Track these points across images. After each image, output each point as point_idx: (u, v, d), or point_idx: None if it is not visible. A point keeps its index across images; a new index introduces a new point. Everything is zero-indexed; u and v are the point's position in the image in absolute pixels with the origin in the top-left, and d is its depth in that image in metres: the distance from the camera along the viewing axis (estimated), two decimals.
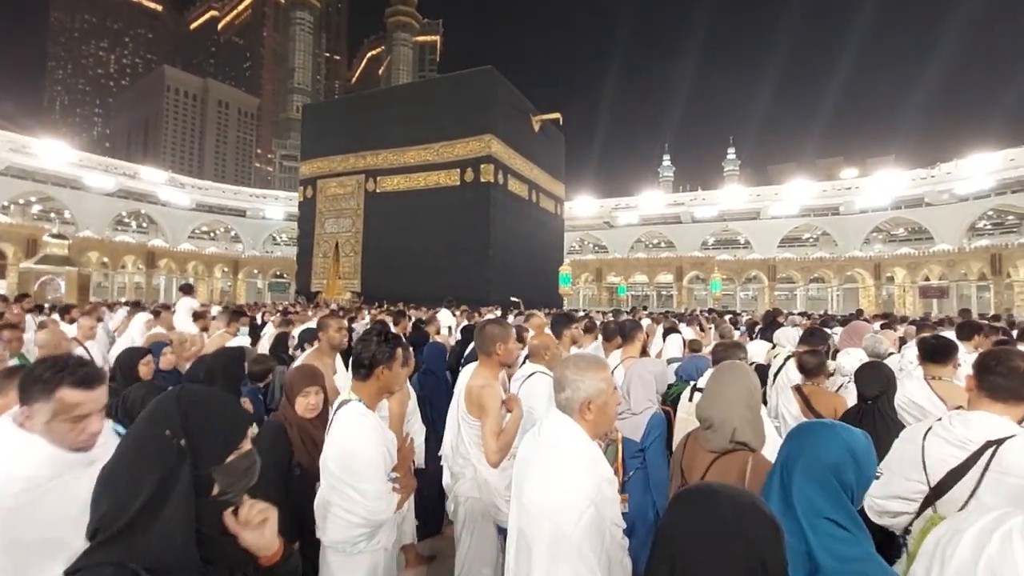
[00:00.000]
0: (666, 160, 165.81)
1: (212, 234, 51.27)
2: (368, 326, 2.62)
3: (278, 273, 46.89)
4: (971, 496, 1.74)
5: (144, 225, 46.55)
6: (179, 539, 0.97)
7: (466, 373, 2.85)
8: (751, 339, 6.99)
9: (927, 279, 36.67)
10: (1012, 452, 1.67)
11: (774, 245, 45.04)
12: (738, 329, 9.15)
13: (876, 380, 2.69)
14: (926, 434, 1.88)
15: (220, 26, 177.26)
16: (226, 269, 45.81)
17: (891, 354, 4.53)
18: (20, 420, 1.43)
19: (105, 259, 37.78)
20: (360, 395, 2.10)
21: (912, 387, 2.85)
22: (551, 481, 1.54)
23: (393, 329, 2.49)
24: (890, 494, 1.92)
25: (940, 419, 2.03)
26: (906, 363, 4.15)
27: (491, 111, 18.53)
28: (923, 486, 1.83)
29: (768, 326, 7.51)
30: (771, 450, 1.76)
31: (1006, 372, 1.80)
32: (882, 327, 6.60)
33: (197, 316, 6.56)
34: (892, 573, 1.27)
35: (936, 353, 2.86)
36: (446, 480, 2.84)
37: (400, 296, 12.56)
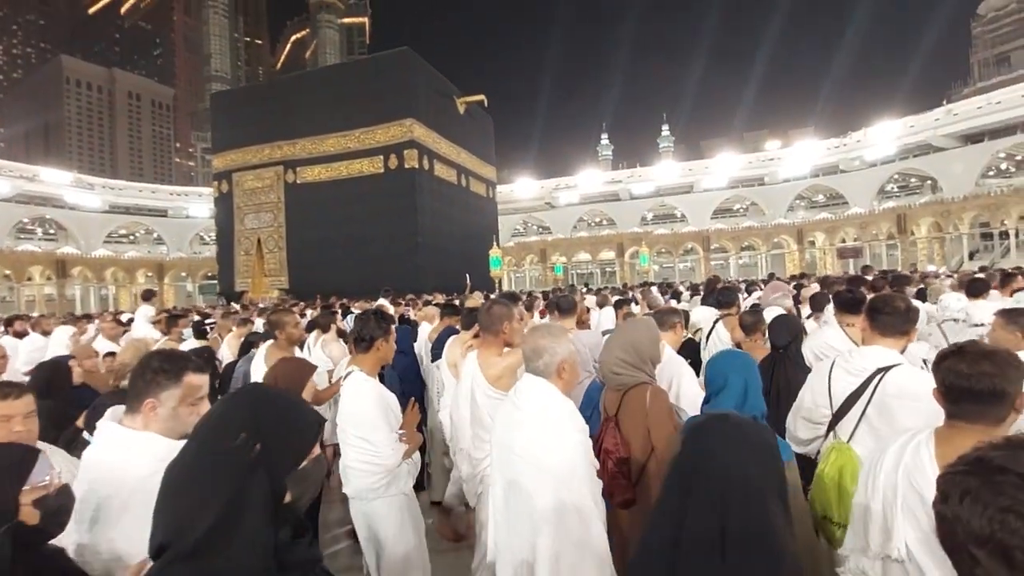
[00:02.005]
0: (604, 139, 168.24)
1: (132, 237, 47.81)
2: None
3: (209, 275, 44.33)
4: (861, 416, 2.03)
5: (52, 231, 42.74)
6: (259, 553, 0.89)
7: (454, 350, 3.33)
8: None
9: (844, 241, 39.38)
10: (894, 376, 1.98)
11: (708, 217, 46.95)
12: (675, 299, 9.49)
13: (786, 330, 3.13)
14: (832, 367, 2.20)
15: (123, 9, 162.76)
16: (150, 274, 42.90)
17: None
18: (129, 420, 1.53)
19: (7, 271, 34.48)
20: (361, 366, 2.55)
21: (830, 333, 3.23)
22: (547, 438, 1.76)
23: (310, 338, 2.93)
24: (801, 418, 2.28)
25: (840, 354, 2.44)
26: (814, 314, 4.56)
27: (411, 94, 18.10)
28: (827, 411, 2.13)
29: (710, 293, 7.85)
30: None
31: (890, 311, 2.13)
32: (794, 286, 7.15)
33: (172, 323, 6.17)
34: (789, 449, 1.77)
35: (849, 305, 3.23)
36: (459, 463, 2.96)
37: (331, 290, 12.17)
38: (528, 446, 1.78)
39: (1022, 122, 33.72)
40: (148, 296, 8.13)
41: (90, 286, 39.10)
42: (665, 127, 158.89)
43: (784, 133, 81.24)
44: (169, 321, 5.81)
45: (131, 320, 8.09)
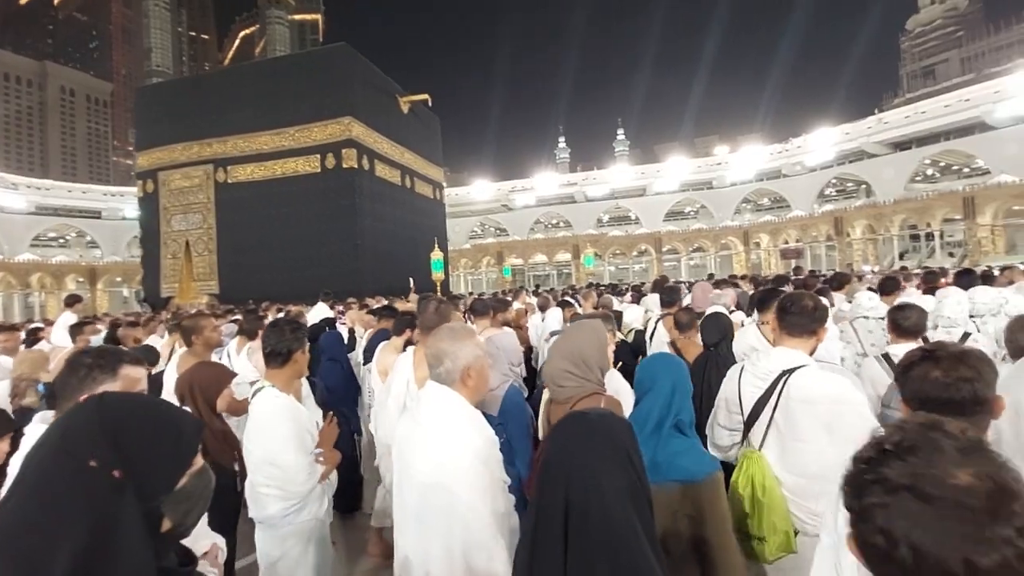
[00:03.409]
0: (561, 142, 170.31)
1: (62, 240, 44.81)
2: None
3: None
4: (770, 421, 1.95)
5: None
6: None
7: (385, 355, 3.16)
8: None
9: (787, 243, 41.09)
10: (798, 378, 1.91)
11: (660, 219, 48.07)
12: (619, 298, 9.55)
13: (716, 329, 3.18)
14: (741, 371, 2.13)
15: (57, 0, 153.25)
16: (81, 279, 40.31)
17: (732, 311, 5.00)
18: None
19: None
20: (274, 381, 2.29)
21: (750, 332, 3.25)
22: (439, 449, 1.61)
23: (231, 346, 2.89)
24: (718, 425, 2.21)
25: (748, 356, 2.42)
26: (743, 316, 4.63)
27: (350, 92, 17.51)
28: (740, 417, 2.06)
29: (664, 293, 7.87)
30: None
31: (798, 311, 2.03)
32: (715, 285, 7.31)
33: (77, 330, 5.62)
34: (714, 460, 1.64)
35: (762, 302, 3.21)
36: (383, 473, 2.86)
37: (265, 295, 11.60)
38: (421, 455, 1.67)
39: (946, 131, 36.07)
40: (72, 302, 7.46)
41: (14, 293, 36.36)
42: (620, 131, 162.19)
43: (732, 138, 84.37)
44: (72, 329, 5.31)
45: (35, 330, 7.51)
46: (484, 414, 2.73)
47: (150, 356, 4.23)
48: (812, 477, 1.80)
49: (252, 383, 4.02)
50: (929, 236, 35.41)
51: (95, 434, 0.78)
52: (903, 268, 13.96)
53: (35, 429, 1.43)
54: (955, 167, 38.18)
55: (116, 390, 1.41)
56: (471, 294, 10.88)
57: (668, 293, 4.82)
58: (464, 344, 1.79)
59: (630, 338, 4.74)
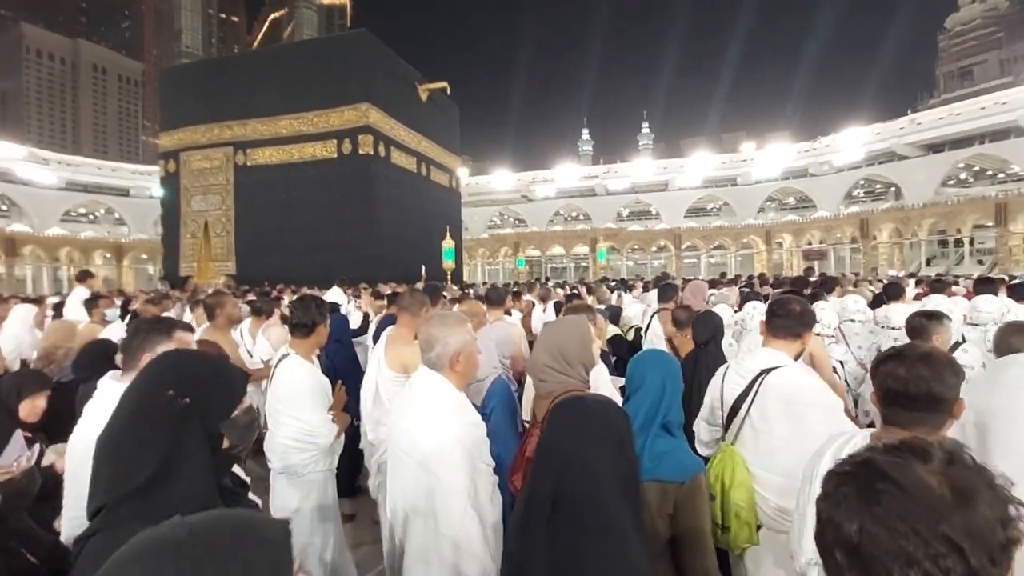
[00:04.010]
0: (585, 134, 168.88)
1: (92, 216, 45.94)
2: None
3: None
4: (745, 417, 2.04)
5: (4, 208, 40.74)
6: (203, 492, 0.96)
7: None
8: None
9: (810, 243, 40.30)
10: (774, 377, 2.00)
11: (681, 215, 47.46)
12: (628, 293, 9.56)
13: (706, 327, 3.25)
14: (726, 370, 2.23)
15: None
16: (108, 255, 41.33)
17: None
18: (126, 378, 1.69)
19: None
20: (297, 350, 2.65)
21: (755, 333, 3.22)
22: (422, 429, 1.70)
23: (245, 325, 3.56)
24: (702, 420, 2.31)
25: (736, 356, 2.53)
26: (745, 316, 4.65)
27: (368, 78, 17.53)
28: (722, 412, 2.16)
29: (661, 289, 7.90)
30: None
31: (783, 314, 2.13)
32: (711, 284, 7.35)
33: (91, 304, 5.84)
34: (700, 461, 1.64)
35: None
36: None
37: (280, 277, 11.80)
38: (406, 434, 1.76)
39: (980, 134, 34.89)
40: (83, 277, 7.70)
41: (43, 266, 37.47)
42: (645, 125, 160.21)
43: (760, 135, 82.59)
44: (87, 303, 5.54)
45: (59, 304, 7.74)
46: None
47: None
48: (780, 474, 1.86)
49: (265, 361, 4.27)
50: (958, 242, 34.44)
51: (171, 374, 1.04)
52: (937, 276, 13.60)
53: (106, 383, 1.71)
54: (989, 172, 36.98)
55: (170, 349, 1.71)
56: (485, 284, 11.00)
57: (664, 290, 4.90)
58: (454, 331, 1.87)
59: (630, 335, 4.74)
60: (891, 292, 5.05)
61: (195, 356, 1.17)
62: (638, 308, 5.90)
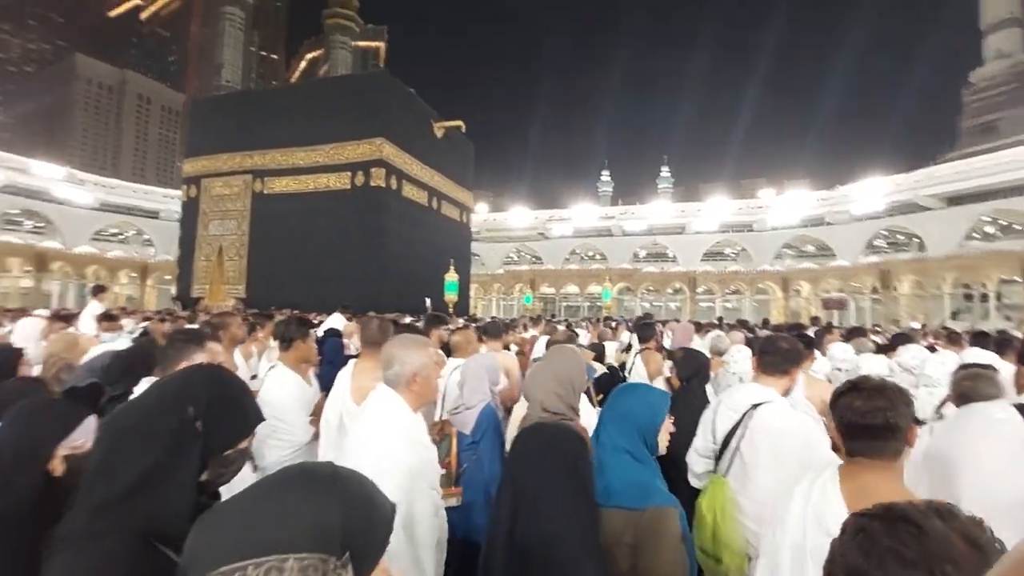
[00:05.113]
0: (605, 175, 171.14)
1: (122, 237, 47.54)
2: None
3: None
4: (736, 449, 2.14)
5: (40, 225, 42.40)
6: (180, 510, 0.98)
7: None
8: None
9: (828, 292, 39.63)
10: (761, 412, 2.10)
11: (697, 259, 47.25)
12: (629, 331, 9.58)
13: (689, 365, 3.37)
14: (719, 403, 2.34)
15: (144, 15, 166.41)
16: (133, 275, 42.51)
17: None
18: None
19: None
20: (283, 361, 3.03)
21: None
22: (366, 450, 1.71)
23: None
24: (695, 451, 2.38)
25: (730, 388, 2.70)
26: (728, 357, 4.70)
27: (385, 114, 18.20)
28: (714, 445, 2.25)
29: (639, 329, 7.92)
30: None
31: (772, 351, 2.26)
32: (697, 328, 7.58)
33: (104, 320, 6.02)
34: (666, 494, 1.63)
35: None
36: None
37: (286, 303, 12.01)
38: (353, 453, 1.76)
39: (1002, 188, 34.45)
40: (97, 292, 7.94)
41: (70, 282, 38.61)
42: (665, 168, 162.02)
43: (779, 182, 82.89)
44: (100, 318, 5.73)
45: (67, 317, 7.94)
46: (459, 433, 2.84)
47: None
48: (767, 504, 1.89)
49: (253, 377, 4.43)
50: (984, 297, 33.54)
51: (200, 393, 1.08)
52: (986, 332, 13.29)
53: (142, 386, 1.91)
54: (1017, 227, 36.29)
55: (203, 359, 1.99)
56: (493, 318, 11.09)
57: (643, 329, 5.04)
58: (413, 351, 1.91)
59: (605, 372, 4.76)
60: (895, 343, 5.01)
61: (227, 383, 1.17)
62: (612, 346, 5.97)
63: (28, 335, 5.55)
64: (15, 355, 2.90)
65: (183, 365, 1.88)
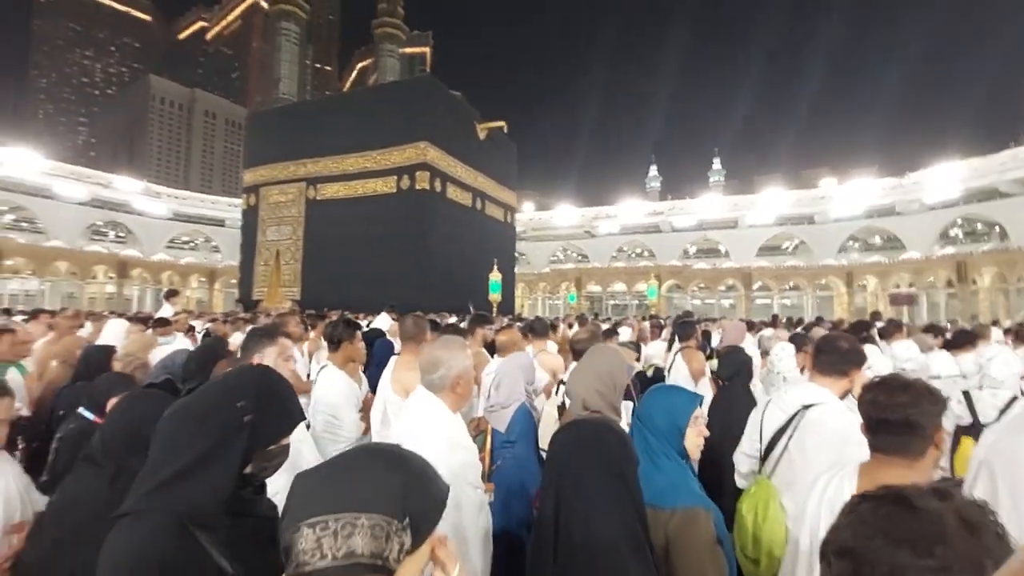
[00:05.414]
0: (653, 170, 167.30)
1: (192, 244, 50.87)
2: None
3: None
4: (784, 450, 2.08)
5: (122, 235, 46.10)
6: (219, 497, 1.07)
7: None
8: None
9: (898, 287, 37.08)
10: (812, 413, 2.03)
11: (752, 254, 45.34)
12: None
13: (730, 364, 3.28)
14: (768, 403, 2.27)
15: (209, 36, 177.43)
16: (203, 279, 45.41)
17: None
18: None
19: (75, 269, 37.34)
20: (333, 361, 3.18)
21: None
22: (412, 444, 1.81)
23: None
24: (741, 452, 2.34)
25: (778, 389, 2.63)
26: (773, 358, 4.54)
27: (429, 118, 18.56)
28: (759, 445, 2.20)
29: (679, 327, 7.70)
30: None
31: (829, 351, 2.16)
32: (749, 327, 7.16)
33: (157, 325, 6.52)
34: (696, 494, 1.61)
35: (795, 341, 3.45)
36: None
37: (338, 304, 12.50)
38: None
39: None
40: (169, 295, 8.45)
41: (147, 287, 41.69)
42: (716, 160, 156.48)
43: (843, 171, 78.08)
44: (156, 324, 6.15)
45: (146, 319, 8.58)
46: (494, 431, 2.93)
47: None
48: None
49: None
50: None
51: (251, 388, 1.16)
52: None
53: None
54: None
55: (275, 352, 2.23)
56: (537, 317, 11.12)
57: (683, 328, 4.85)
58: (457, 355, 1.93)
59: (649, 372, 4.63)
60: (958, 341, 4.67)
61: (275, 381, 1.25)
62: (660, 346, 5.78)
63: (115, 335, 6.11)
64: (109, 353, 3.31)
65: (256, 359, 2.14)
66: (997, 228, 36.08)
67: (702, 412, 1.79)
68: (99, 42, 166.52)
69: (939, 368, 3.72)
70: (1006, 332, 8.71)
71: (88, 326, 7.60)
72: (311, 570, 0.75)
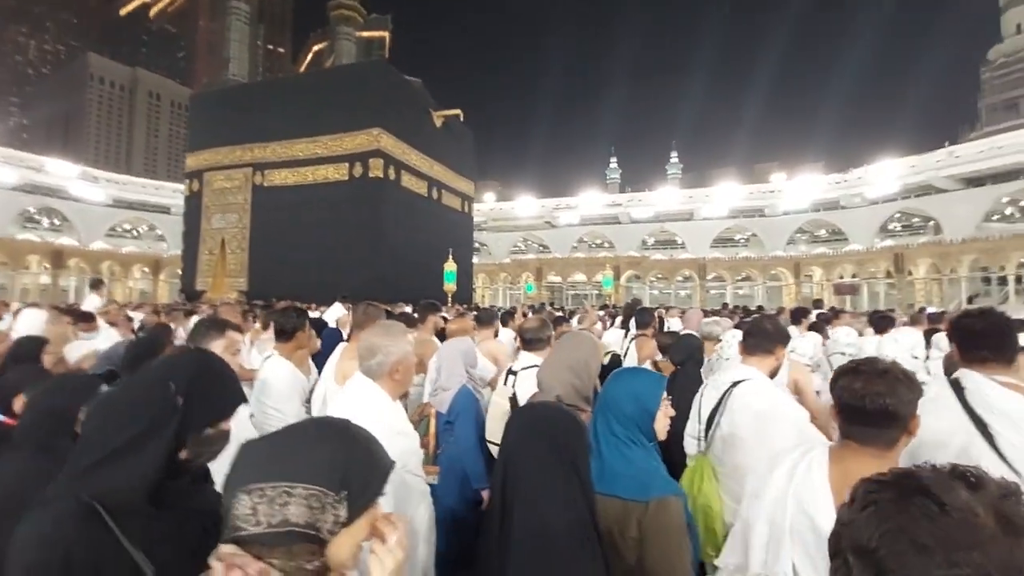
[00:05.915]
0: (613, 163, 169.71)
1: (135, 232, 48.23)
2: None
3: None
4: (716, 426, 2.18)
5: (57, 223, 43.16)
6: (143, 484, 1.01)
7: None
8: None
9: (842, 277, 39.00)
10: (739, 389, 2.15)
11: (707, 245, 46.75)
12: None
13: (683, 349, 3.43)
14: (704, 386, 2.40)
15: (152, 12, 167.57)
16: (146, 270, 43.17)
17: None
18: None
19: (4, 260, 34.81)
20: (280, 351, 3.08)
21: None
22: None
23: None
24: (687, 434, 2.40)
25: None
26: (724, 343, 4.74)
27: (383, 105, 18.14)
28: (699, 425, 2.29)
29: (628, 316, 7.83)
30: None
31: (756, 332, 2.31)
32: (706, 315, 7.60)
33: (81, 320, 6.08)
34: (667, 480, 1.58)
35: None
36: None
37: (287, 294, 12.06)
38: None
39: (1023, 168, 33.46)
40: (95, 285, 8.13)
41: (85, 278, 39.28)
42: (674, 154, 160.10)
43: (792, 166, 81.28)
44: (78, 318, 5.75)
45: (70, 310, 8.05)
46: (438, 413, 2.97)
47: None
48: (744, 479, 1.87)
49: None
50: (1003, 280, 32.76)
51: (182, 372, 1.13)
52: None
53: None
54: None
55: (222, 343, 2.17)
56: (490, 307, 11.09)
57: (641, 315, 4.99)
58: (397, 340, 1.89)
59: (606, 360, 4.68)
60: (880, 325, 5.02)
61: (212, 362, 1.24)
62: (617, 334, 5.88)
63: (31, 327, 5.65)
64: (40, 345, 3.06)
65: None
66: (932, 222, 38.39)
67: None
68: (34, 17, 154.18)
69: (870, 351, 3.93)
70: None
71: (7, 318, 7.08)
72: (246, 535, 0.77)
